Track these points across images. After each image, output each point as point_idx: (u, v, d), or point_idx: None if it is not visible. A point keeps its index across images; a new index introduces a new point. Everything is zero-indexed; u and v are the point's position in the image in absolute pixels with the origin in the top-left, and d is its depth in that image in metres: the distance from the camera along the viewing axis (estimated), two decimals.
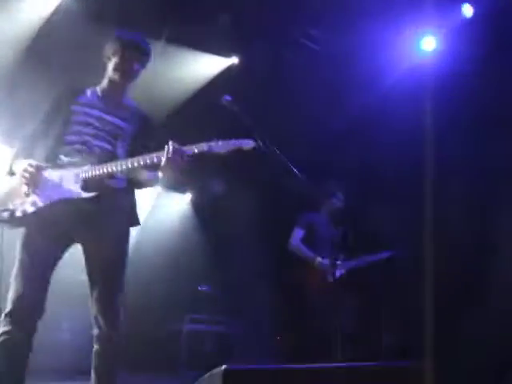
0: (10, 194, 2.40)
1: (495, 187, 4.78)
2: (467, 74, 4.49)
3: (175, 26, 4.97)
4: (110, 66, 2.56)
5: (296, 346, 4.77)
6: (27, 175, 2.36)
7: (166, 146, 2.31)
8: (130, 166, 2.34)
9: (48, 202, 2.34)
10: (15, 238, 2.42)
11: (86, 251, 2.47)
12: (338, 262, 4.41)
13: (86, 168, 2.36)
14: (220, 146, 2.32)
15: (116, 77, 2.54)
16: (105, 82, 2.61)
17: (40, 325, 2.35)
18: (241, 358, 6.03)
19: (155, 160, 2.32)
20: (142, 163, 2.33)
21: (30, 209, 2.34)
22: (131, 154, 2.44)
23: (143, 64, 2.60)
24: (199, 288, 6.37)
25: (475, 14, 4.62)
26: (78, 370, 2.46)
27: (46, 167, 2.40)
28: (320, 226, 4.64)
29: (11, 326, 2.25)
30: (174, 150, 2.29)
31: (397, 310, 5.21)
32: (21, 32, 4.55)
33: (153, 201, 6.61)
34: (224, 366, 1.45)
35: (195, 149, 2.32)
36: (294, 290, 4.66)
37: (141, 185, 2.55)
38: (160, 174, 2.42)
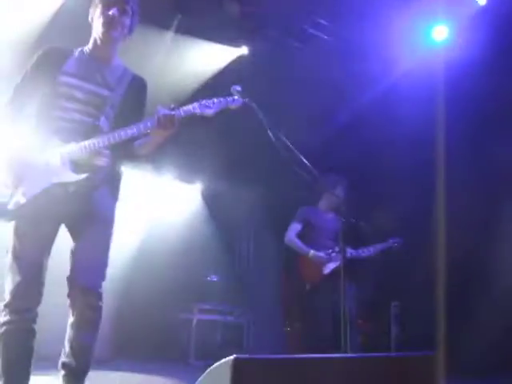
0: None
1: (506, 181, 4.74)
2: (480, 64, 4.43)
3: (185, 16, 4.95)
4: (93, 24, 2.43)
5: (305, 336, 4.78)
6: (12, 167, 2.27)
7: (156, 113, 2.26)
8: (117, 138, 2.28)
9: (38, 190, 2.27)
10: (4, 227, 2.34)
11: (72, 232, 2.38)
12: (333, 254, 4.44)
13: (71, 146, 2.29)
14: (207, 107, 2.31)
15: (98, 34, 2.40)
16: (90, 43, 2.47)
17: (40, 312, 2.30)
18: (250, 348, 6.07)
19: (142, 129, 2.28)
20: (129, 134, 2.28)
21: (22, 199, 2.26)
22: (118, 123, 2.36)
23: (124, 11, 2.40)
24: (208, 278, 6.40)
25: (489, 1, 4.54)
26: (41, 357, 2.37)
27: (31, 151, 2.30)
28: (317, 220, 4.66)
29: (11, 315, 2.22)
30: (164, 116, 2.24)
31: (406, 301, 5.20)
32: (23, 32, 4.56)
33: (163, 191, 6.63)
34: (234, 356, 1.44)
35: (182, 112, 2.30)
36: (295, 283, 4.68)
37: (129, 156, 2.48)
38: (147, 142, 2.38)
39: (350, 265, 4.52)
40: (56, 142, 2.30)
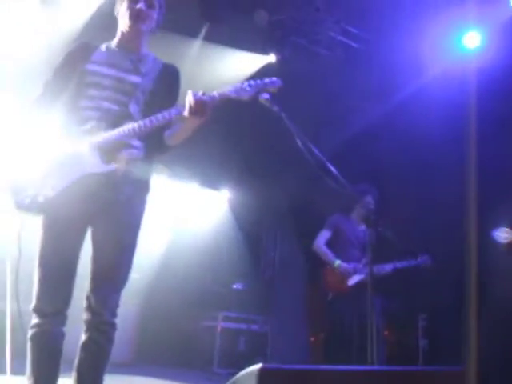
0: (28, 177, 2.20)
1: None
2: None
3: (212, 24, 4.99)
4: (120, 18, 2.38)
5: (328, 346, 4.72)
6: (40, 159, 2.19)
7: (187, 98, 2.15)
8: (148, 125, 2.19)
9: (68, 182, 2.17)
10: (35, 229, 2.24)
11: (96, 228, 2.26)
12: (359, 266, 4.38)
13: (100, 135, 2.20)
14: (242, 90, 2.20)
15: (125, 27, 2.35)
16: (118, 36, 2.42)
17: None
18: (274, 357, 6.02)
19: (173, 114, 2.18)
20: (160, 119, 2.19)
21: (51, 192, 2.16)
22: (149, 111, 2.26)
23: (151, 4, 2.36)
24: (234, 286, 6.38)
25: None
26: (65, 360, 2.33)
27: (60, 143, 2.22)
28: (347, 229, 4.61)
29: (39, 319, 2.17)
30: (196, 102, 2.14)
31: (434, 314, 5.10)
32: (61, 34, 4.66)
33: (189, 198, 6.66)
34: (260, 365, 1.42)
35: (217, 95, 2.19)
36: (321, 292, 4.64)
37: (159, 148, 2.35)
38: (177, 131, 2.28)
39: (376, 278, 4.47)
40: (84, 132, 2.22)
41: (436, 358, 4.97)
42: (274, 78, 2.28)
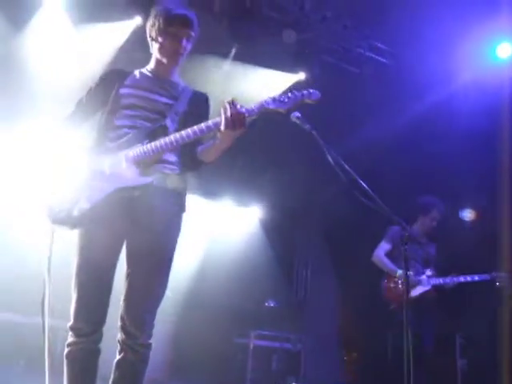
0: (63, 191, 2.19)
1: None
2: None
3: (242, 45, 5.07)
4: (156, 46, 2.37)
5: (363, 364, 4.63)
6: (79, 170, 2.19)
7: (222, 109, 2.11)
8: (185, 137, 2.15)
9: (103, 195, 2.14)
10: (67, 244, 2.25)
11: (131, 244, 2.23)
12: (423, 278, 4.31)
13: (136, 149, 2.18)
14: (281, 102, 2.14)
15: (164, 59, 2.36)
16: (152, 63, 2.42)
17: None
18: (306, 376, 5.94)
19: (212, 126, 2.14)
20: (197, 132, 2.14)
21: (86, 205, 2.12)
22: (183, 130, 2.22)
23: (192, 38, 2.36)
24: (266, 304, 6.35)
25: None
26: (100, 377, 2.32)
27: (95, 154, 2.23)
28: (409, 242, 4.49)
29: (75, 338, 2.17)
30: (232, 114, 2.09)
31: (472, 332, 4.95)
32: (95, 59, 4.81)
33: (220, 216, 6.69)
34: None
35: (254, 108, 2.14)
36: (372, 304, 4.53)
37: (193, 163, 2.33)
38: (212, 146, 2.24)
39: (437, 293, 4.39)
40: (120, 146, 2.22)
41: (476, 379, 4.81)
42: (312, 90, 2.23)
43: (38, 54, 4.79)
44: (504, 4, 4.31)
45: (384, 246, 4.53)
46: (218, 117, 2.15)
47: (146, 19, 2.48)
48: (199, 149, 2.31)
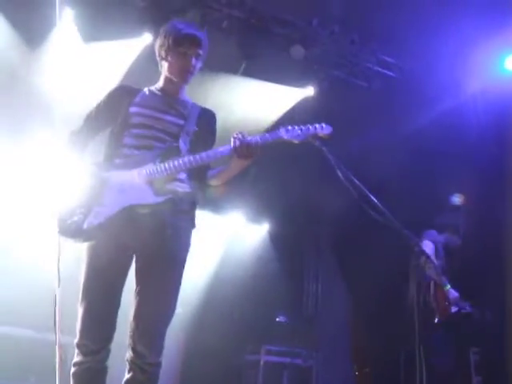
0: (72, 204, 2.19)
1: None
2: None
3: (251, 61, 5.11)
4: (165, 65, 2.40)
5: (375, 380, 4.56)
6: (88, 185, 2.20)
7: (232, 139, 2.18)
8: (198, 160, 2.20)
9: (114, 211, 2.14)
10: (74, 256, 2.26)
11: (140, 260, 2.23)
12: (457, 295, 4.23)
13: (149, 167, 2.21)
14: (295, 133, 2.22)
15: (173, 77, 2.39)
16: (161, 81, 2.45)
17: None
18: None
19: (221, 153, 2.21)
20: (211, 156, 2.21)
21: (96, 220, 2.13)
22: (194, 151, 2.27)
23: (201, 57, 2.39)
24: (277, 319, 6.31)
25: None
26: None
27: (107, 170, 2.25)
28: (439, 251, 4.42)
29: (82, 357, 2.14)
30: (242, 143, 2.16)
31: (486, 347, 4.86)
32: (106, 76, 4.87)
33: (230, 231, 6.70)
34: None
35: (269, 137, 2.23)
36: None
37: (202, 186, 2.38)
38: (222, 171, 2.33)
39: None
40: (131, 164, 2.24)
41: None
42: (325, 125, 2.29)
43: (49, 72, 4.86)
44: None
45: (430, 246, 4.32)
46: (228, 145, 2.21)
47: (156, 36, 2.51)
48: (209, 173, 2.37)
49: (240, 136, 2.18)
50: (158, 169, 2.21)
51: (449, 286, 4.23)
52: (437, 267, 4.21)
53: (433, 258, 4.21)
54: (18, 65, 4.73)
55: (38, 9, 4.33)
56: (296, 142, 2.25)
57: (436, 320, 4.23)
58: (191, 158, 2.21)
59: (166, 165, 2.21)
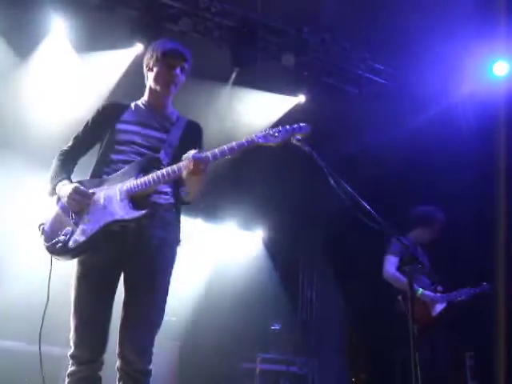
0: (58, 222, 2.26)
1: None
2: None
3: (242, 69, 5.13)
4: (151, 76, 2.48)
5: None
6: (74, 202, 2.23)
7: (184, 156, 2.22)
8: (171, 174, 2.22)
9: (97, 228, 2.19)
10: (65, 272, 2.29)
11: (127, 272, 2.28)
12: (438, 294, 4.10)
13: (129, 182, 2.26)
14: (271, 136, 2.23)
15: (158, 87, 2.46)
16: (146, 94, 2.53)
17: None
18: None
19: (176, 172, 2.22)
20: (177, 172, 2.21)
21: (82, 238, 2.18)
22: (174, 162, 2.30)
23: (185, 71, 2.49)
24: (272, 327, 6.29)
25: None
26: None
27: (90, 187, 2.29)
28: (416, 254, 4.27)
29: (76, 366, 2.19)
30: (191, 160, 2.16)
31: (482, 351, 4.87)
32: (98, 86, 4.88)
33: (224, 239, 6.69)
34: None
35: (245, 143, 2.22)
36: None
37: (180, 200, 2.40)
38: (186, 190, 2.33)
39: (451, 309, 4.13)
40: (114, 179, 2.30)
41: None
42: (303, 124, 2.30)
43: (40, 82, 4.86)
44: (500, 24, 4.42)
45: (393, 261, 4.20)
46: (185, 161, 2.22)
47: (147, 46, 2.58)
48: (181, 190, 2.39)
49: (193, 153, 2.20)
50: (138, 183, 2.26)
51: (421, 290, 4.09)
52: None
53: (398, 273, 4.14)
54: (7, 75, 4.73)
55: (29, 20, 4.34)
56: (274, 144, 2.25)
57: (416, 329, 4.13)
58: (164, 172, 2.25)
59: (146, 179, 2.26)
